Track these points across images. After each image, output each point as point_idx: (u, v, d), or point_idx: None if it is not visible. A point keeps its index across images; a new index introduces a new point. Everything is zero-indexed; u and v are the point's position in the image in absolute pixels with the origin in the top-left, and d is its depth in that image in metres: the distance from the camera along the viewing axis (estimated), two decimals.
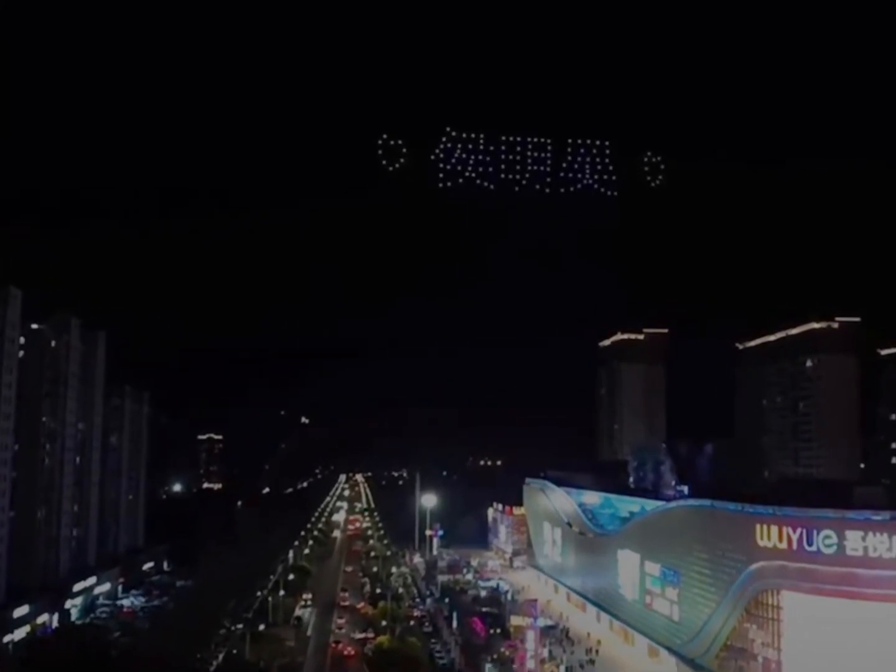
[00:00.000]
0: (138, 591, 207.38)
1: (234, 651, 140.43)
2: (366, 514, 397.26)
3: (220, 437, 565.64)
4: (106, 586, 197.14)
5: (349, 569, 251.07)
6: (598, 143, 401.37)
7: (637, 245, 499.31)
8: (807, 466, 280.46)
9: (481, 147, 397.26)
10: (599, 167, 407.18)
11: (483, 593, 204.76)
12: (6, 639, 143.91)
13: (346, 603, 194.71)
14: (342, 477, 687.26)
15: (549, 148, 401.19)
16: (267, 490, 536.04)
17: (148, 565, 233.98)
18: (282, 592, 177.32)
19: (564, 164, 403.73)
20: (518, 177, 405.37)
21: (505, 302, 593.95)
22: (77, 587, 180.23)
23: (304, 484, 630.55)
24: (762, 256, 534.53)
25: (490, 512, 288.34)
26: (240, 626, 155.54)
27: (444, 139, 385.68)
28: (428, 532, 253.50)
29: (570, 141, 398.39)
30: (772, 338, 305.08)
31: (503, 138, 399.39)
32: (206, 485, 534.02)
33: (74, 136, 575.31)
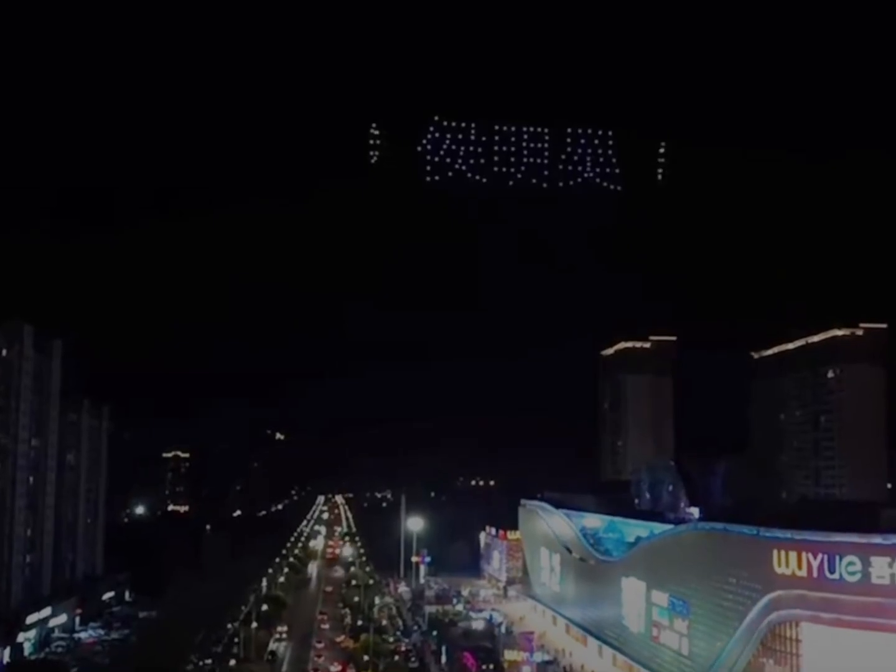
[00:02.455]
0: (97, 623, 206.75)
1: None
2: (346, 538, 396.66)
3: (186, 454, 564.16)
4: (62, 618, 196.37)
5: (328, 588, 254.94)
6: (600, 132, 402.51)
7: (642, 244, 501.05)
8: (828, 486, 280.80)
9: (473, 137, 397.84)
10: (602, 159, 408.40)
11: (475, 625, 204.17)
12: None
13: (326, 626, 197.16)
14: (320, 498, 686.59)
15: (547, 138, 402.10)
16: (238, 513, 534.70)
17: (108, 595, 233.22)
18: (254, 624, 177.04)
19: (564, 156, 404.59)
20: (513, 169, 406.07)
21: (498, 306, 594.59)
22: (30, 619, 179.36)
23: (279, 506, 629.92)
24: (780, 257, 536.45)
25: (482, 536, 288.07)
26: (208, 661, 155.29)
27: (432, 129, 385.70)
28: (414, 558, 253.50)
29: (570, 130, 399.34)
30: (790, 346, 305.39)
31: (497, 128, 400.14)
32: (171, 507, 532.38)
33: (27, 136, 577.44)
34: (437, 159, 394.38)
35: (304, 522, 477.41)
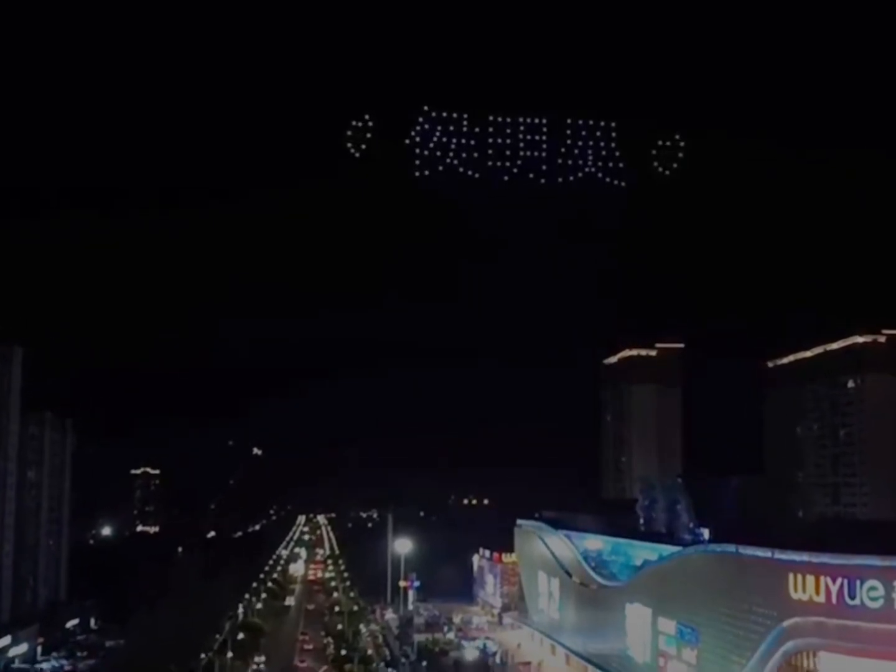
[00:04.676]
0: (61, 653, 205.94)
1: None
2: (329, 561, 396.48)
3: (157, 471, 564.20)
4: (22, 647, 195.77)
5: (310, 606, 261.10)
6: (603, 124, 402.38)
7: (647, 244, 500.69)
8: (849, 505, 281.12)
9: (465, 129, 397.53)
10: (605, 153, 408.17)
11: (467, 655, 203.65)
12: None
13: (310, 647, 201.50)
14: (301, 518, 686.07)
15: (546, 130, 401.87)
16: (212, 534, 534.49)
17: (72, 622, 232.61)
18: (230, 654, 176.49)
19: (563, 150, 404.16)
20: (508, 164, 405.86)
21: (492, 311, 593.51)
22: None
23: (257, 527, 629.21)
24: (796, 257, 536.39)
25: (475, 559, 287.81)
26: None
27: (420, 120, 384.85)
28: (402, 583, 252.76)
29: (570, 122, 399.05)
30: (807, 354, 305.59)
31: (490, 118, 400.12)
32: (140, 528, 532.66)
33: None
34: (427, 153, 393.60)
35: (284, 544, 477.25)
